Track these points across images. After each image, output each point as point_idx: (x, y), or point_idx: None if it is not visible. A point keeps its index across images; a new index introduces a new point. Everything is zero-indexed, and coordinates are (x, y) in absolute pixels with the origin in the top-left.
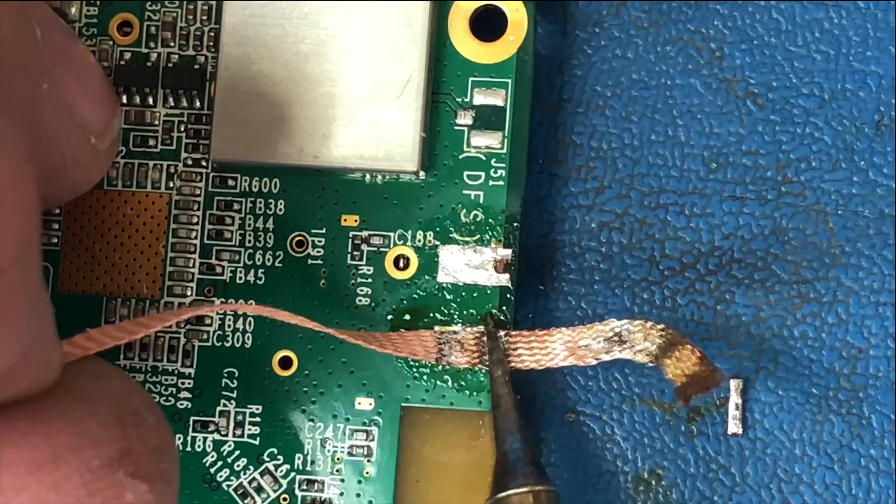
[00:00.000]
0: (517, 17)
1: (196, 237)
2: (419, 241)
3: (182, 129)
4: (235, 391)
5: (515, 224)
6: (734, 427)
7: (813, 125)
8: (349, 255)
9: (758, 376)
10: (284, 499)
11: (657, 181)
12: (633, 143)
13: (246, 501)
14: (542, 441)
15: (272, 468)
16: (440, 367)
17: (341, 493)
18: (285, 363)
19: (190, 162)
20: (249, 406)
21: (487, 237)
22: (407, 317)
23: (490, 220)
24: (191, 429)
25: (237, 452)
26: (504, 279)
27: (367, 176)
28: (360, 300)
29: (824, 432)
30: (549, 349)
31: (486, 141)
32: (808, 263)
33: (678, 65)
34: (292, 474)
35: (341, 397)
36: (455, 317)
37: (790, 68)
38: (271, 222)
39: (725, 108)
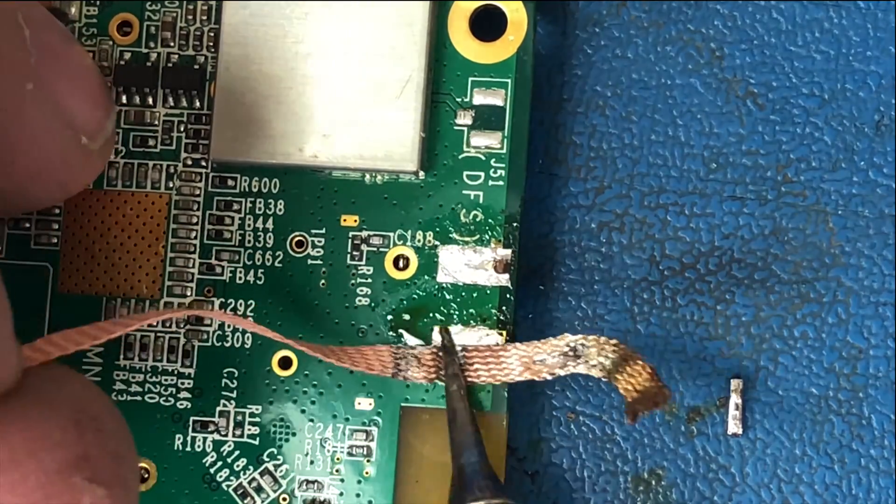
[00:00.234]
0: (517, 17)
1: (196, 237)
2: (419, 241)
3: (182, 129)
4: (235, 391)
5: (515, 224)
6: (734, 427)
7: (813, 125)
8: (349, 255)
9: (758, 376)
10: (284, 499)
11: (657, 181)
12: (633, 143)
13: (246, 501)
14: (541, 441)
15: (272, 468)
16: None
17: (341, 494)
18: (285, 363)
19: (190, 162)
20: (249, 406)
21: (487, 237)
22: (406, 317)
23: (490, 220)
24: (191, 429)
25: (237, 452)
26: (504, 279)
27: (367, 176)
28: (359, 300)
29: (824, 432)
30: (505, 364)
31: (486, 141)
32: (808, 263)
33: (678, 65)
34: (292, 474)
35: (341, 397)
36: (455, 317)
37: (790, 68)
38: (271, 222)
39: (725, 108)
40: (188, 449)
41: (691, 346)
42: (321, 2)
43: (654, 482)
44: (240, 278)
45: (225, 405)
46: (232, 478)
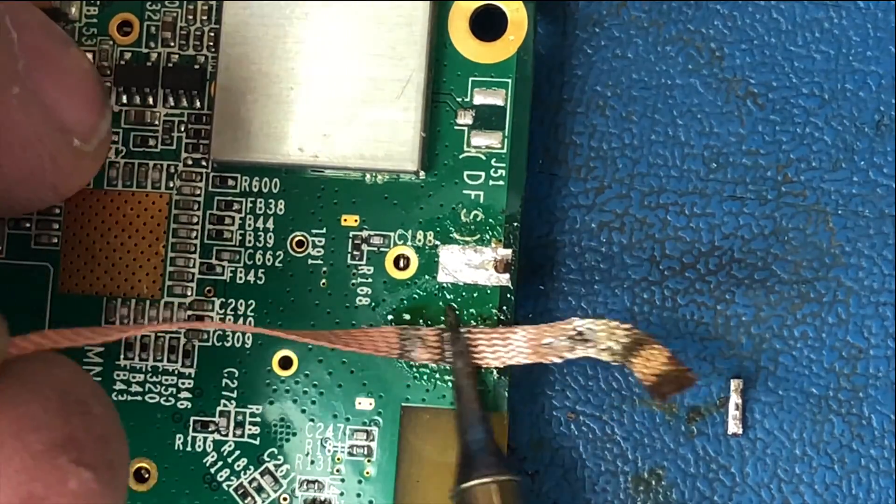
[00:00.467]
0: (517, 17)
1: (196, 237)
2: (419, 240)
3: (182, 129)
4: (235, 391)
5: (515, 224)
6: (734, 427)
7: (813, 125)
8: (349, 255)
9: (758, 376)
10: (285, 499)
11: (657, 181)
12: (633, 143)
13: (246, 501)
14: (541, 441)
15: (272, 468)
16: (440, 367)
17: (341, 493)
18: (285, 363)
19: (190, 162)
20: (249, 406)
21: (487, 237)
22: (407, 317)
23: (490, 220)
24: (191, 429)
25: (237, 452)
26: (504, 279)
27: (367, 176)
28: (360, 300)
29: (824, 432)
30: (511, 346)
31: (487, 141)
32: (808, 263)
33: (678, 65)
34: (292, 474)
35: (341, 397)
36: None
37: (790, 68)
38: (271, 222)
39: (725, 108)
40: (189, 449)
41: (691, 346)
42: (321, 2)
43: (654, 482)
44: (240, 278)
45: (225, 405)
46: (232, 478)
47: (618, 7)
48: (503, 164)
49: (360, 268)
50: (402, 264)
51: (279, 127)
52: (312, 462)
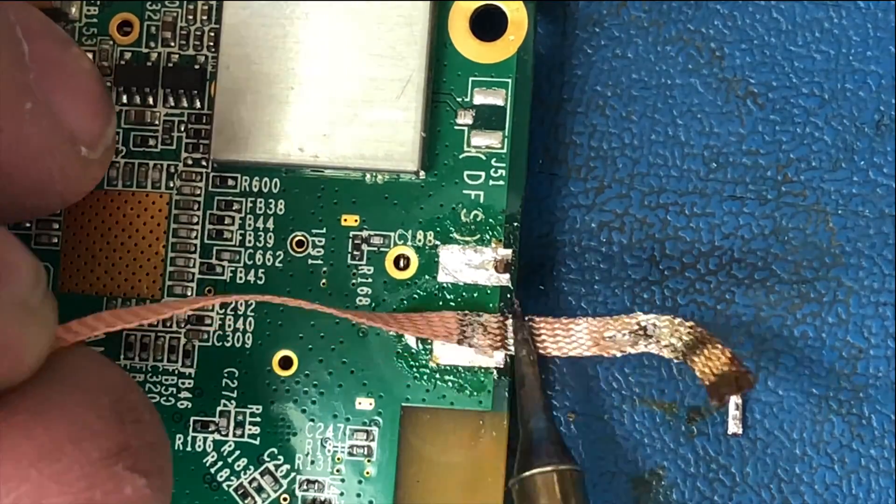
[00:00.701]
0: (517, 17)
1: (196, 237)
2: (419, 240)
3: (182, 129)
4: (235, 391)
5: (515, 224)
6: (734, 427)
7: (813, 125)
8: (349, 255)
9: (758, 376)
10: (285, 499)
11: (657, 181)
12: (633, 143)
13: (246, 501)
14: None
15: (272, 468)
16: (440, 367)
17: (341, 493)
18: (285, 363)
19: (190, 162)
20: (250, 406)
21: (487, 237)
22: None
23: (490, 220)
24: (191, 429)
25: (237, 452)
26: (504, 279)
27: (367, 176)
28: (360, 300)
29: (824, 432)
30: (574, 338)
31: (487, 141)
32: (808, 263)
33: (678, 65)
34: (292, 474)
35: (341, 397)
36: None
37: (790, 68)
38: (271, 222)
39: (725, 108)
40: (189, 449)
41: None
42: (321, 2)
43: (654, 482)
44: (240, 278)
45: (225, 405)
46: (232, 478)
47: (618, 7)
48: (503, 164)
49: (360, 268)
50: (402, 264)
51: (279, 127)
52: (312, 462)
